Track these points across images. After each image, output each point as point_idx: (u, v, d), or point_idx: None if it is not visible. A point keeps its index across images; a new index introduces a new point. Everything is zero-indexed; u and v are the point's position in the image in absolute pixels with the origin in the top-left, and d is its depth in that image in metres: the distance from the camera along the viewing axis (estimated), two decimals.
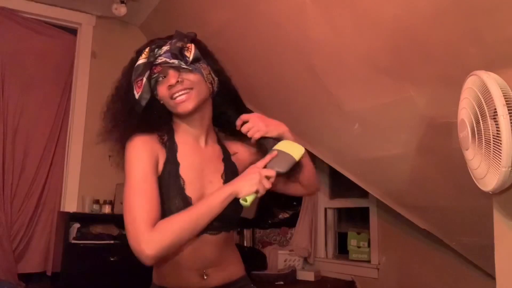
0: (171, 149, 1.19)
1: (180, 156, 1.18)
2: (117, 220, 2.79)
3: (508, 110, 1.12)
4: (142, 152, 1.12)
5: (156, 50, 1.16)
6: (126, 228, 1.06)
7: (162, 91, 1.16)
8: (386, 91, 1.80)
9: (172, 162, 1.17)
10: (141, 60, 1.16)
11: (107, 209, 2.92)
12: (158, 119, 1.19)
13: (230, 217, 1.18)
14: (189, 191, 1.14)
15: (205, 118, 1.24)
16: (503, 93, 1.14)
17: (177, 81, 1.14)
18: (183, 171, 1.16)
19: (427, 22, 1.44)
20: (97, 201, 2.94)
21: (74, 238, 2.64)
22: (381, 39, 1.64)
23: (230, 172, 1.24)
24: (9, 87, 2.89)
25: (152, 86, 1.17)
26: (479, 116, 1.20)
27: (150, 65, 1.15)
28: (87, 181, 3.07)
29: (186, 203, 1.13)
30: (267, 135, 1.23)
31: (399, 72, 1.69)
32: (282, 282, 2.91)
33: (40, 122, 3.00)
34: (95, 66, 3.18)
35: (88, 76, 3.16)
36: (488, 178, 1.19)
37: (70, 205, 3.00)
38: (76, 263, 2.57)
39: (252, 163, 1.19)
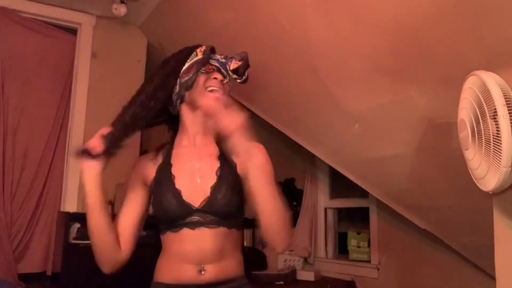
0: (168, 152, 1.31)
1: (174, 157, 1.29)
2: None
3: (508, 110, 1.12)
4: None
5: (210, 53, 1.31)
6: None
7: (202, 79, 1.28)
8: (387, 91, 1.80)
9: (166, 162, 1.28)
10: (200, 56, 1.30)
11: None
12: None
13: (223, 212, 1.21)
14: (179, 184, 1.22)
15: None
16: (503, 93, 1.14)
17: (221, 81, 1.28)
18: (175, 169, 1.25)
19: (428, 22, 1.44)
20: None
21: (74, 238, 2.63)
22: (381, 40, 1.64)
23: (228, 168, 1.25)
24: (9, 87, 2.89)
25: (192, 81, 1.28)
26: (479, 116, 1.20)
27: (207, 61, 1.29)
28: None
29: (177, 195, 1.21)
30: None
31: (399, 72, 1.69)
32: (282, 282, 2.91)
33: (40, 122, 2.99)
34: (95, 66, 3.17)
35: (88, 76, 3.14)
36: (488, 178, 1.19)
37: (70, 205, 2.99)
38: (76, 263, 2.56)
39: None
